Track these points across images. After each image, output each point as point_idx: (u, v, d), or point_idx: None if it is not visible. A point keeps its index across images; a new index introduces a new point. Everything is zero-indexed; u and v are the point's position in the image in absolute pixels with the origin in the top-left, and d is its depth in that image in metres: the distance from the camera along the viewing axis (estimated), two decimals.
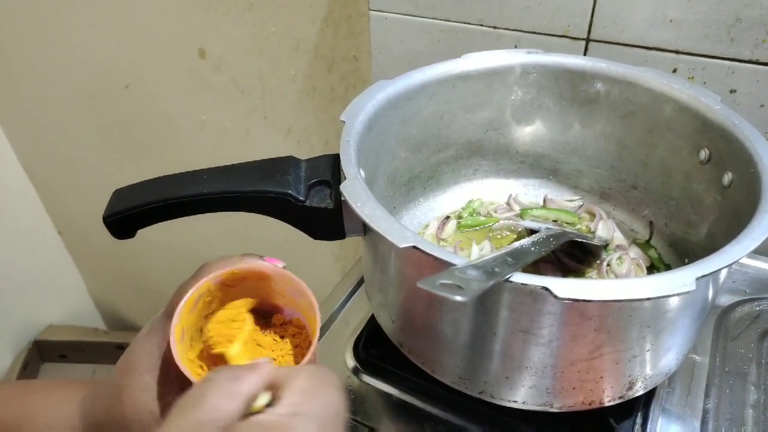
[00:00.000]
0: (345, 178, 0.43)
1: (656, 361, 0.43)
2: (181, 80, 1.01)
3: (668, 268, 0.57)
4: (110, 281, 1.59)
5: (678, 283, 0.33)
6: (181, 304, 0.35)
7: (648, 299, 0.33)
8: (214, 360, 0.37)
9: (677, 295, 0.33)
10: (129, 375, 0.36)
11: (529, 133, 0.65)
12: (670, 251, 0.59)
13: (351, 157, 0.45)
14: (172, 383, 0.36)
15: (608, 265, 0.57)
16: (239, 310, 0.38)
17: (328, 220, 0.46)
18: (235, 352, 0.36)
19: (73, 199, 1.41)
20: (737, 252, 0.35)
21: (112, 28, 1.01)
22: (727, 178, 0.48)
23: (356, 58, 0.81)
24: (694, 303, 0.40)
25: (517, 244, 0.44)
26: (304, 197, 0.45)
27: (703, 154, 0.51)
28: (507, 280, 0.34)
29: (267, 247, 1.14)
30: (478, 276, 0.32)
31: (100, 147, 1.23)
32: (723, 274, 0.43)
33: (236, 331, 0.37)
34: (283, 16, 0.82)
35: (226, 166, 0.47)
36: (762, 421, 0.50)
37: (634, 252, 0.60)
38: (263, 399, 0.30)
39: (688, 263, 0.56)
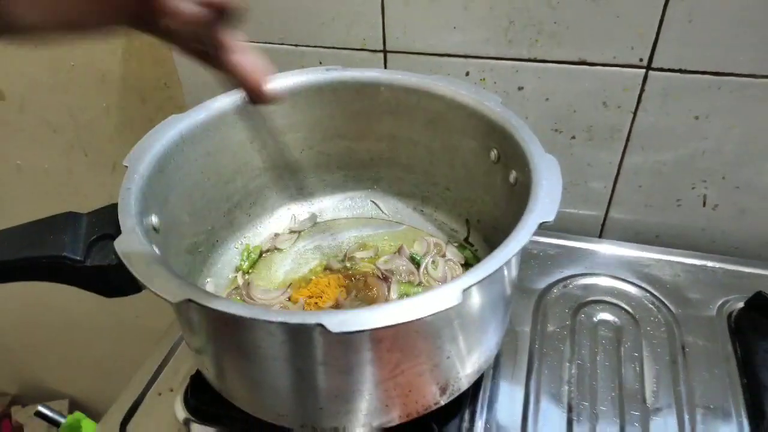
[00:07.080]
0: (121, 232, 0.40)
1: (463, 363, 0.45)
2: None
3: None
4: None
5: (445, 298, 0.34)
6: None
7: (418, 319, 0.34)
8: None
9: (445, 310, 0.34)
10: None
11: (344, 146, 0.65)
12: (485, 246, 0.62)
13: (130, 207, 0.43)
14: None
15: (426, 270, 0.59)
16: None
17: (115, 277, 0.43)
18: None
19: None
20: (503, 256, 0.37)
21: None
22: (513, 176, 0.51)
23: (167, 85, 0.77)
24: (476, 309, 0.42)
25: None
26: (82, 256, 0.42)
27: (493, 154, 0.54)
28: (281, 322, 0.34)
29: None
30: None
31: None
32: (513, 264, 0.46)
33: None
34: (81, 49, 0.76)
35: None
36: (576, 396, 0.54)
37: (451, 252, 0.62)
38: None
39: None
